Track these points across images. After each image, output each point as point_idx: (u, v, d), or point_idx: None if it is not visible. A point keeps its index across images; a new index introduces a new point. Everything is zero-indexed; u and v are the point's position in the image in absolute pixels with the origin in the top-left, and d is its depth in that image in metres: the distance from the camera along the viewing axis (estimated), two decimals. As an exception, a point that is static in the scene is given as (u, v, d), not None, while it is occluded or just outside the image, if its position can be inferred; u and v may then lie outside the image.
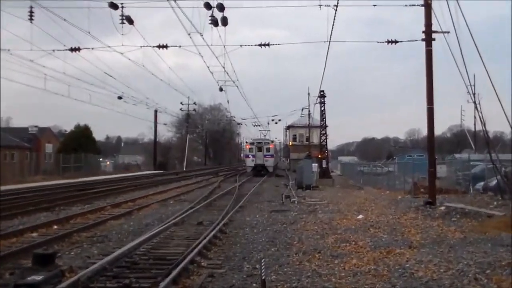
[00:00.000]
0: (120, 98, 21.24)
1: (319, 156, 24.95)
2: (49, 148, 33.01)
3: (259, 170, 40.19)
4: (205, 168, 48.67)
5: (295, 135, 48.50)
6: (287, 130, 61.68)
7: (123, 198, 12.90)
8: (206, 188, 17.20)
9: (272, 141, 48.60)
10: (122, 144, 72.74)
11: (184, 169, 42.27)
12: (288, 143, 62.37)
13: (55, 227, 7.71)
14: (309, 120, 40.02)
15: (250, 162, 40.74)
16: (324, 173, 24.05)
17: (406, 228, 7.45)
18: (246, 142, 44.93)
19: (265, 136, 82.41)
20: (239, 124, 48.28)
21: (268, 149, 42.37)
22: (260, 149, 41.57)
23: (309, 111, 40.26)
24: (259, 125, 42.00)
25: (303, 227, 7.74)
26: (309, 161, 20.61)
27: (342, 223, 8.13)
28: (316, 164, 24.55)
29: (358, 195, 14.62)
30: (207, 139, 67.33)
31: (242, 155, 44.53)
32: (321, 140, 25.17)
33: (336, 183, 21.93)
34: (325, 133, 25.82)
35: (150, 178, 22.96)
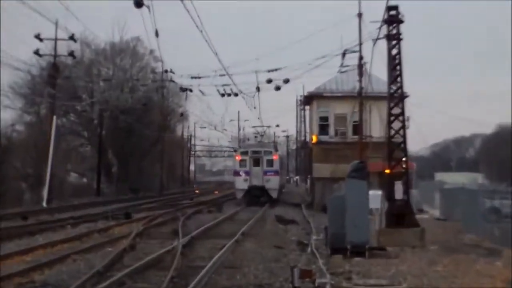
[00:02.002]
0: None
1: (387, 171, 25.49)
2: None
3: (256, 196, 51.74)
4: (96, 202, 50.49)
5: (325, 119, 50.97)
6: (305, 108, 68.31)
7: None
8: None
9: (277, 150, 58.50)
10: None
11: (45, 205, 43.37)
12: (306, 140, 70.51)
13: None
14: (360, 81, 41.36)
15: (241, 183, 52.48)
16: (401, 214, 24.86)
17: None
18: (236, 152, 57.07)
19: (262, 135, 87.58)
20: (184, 90, 48.80)
21: (270, 162, 52.82)
22: (257, 162, 52.60)
23: (360, 58, 41.09)
24: (231, 94, 42.81)
25: None
26: (361, 183, 20.99)
27: None
28: (380, 192, 24.98)
29: (491, 272, 14.96)
30: (105, 130, 69.98)
31: (233, 170, 55.98)
32: (392, 133, 25.95)
33: (429, 240, 23.55)
34: (403, 114, 26.26)
35: None
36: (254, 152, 53.40)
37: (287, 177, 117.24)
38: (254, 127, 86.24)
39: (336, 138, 49.42)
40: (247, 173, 52.23)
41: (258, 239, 25.11)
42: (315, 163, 50.29)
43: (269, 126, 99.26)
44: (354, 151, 40.58)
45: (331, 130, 49.97)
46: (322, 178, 47.35)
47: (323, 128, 50.26)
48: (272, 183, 52.52)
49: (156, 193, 69.28)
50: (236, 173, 53.34)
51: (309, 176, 67.26)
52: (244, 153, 53.60)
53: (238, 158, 53.56)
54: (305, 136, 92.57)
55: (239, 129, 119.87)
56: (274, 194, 52.98)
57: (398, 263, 18.42)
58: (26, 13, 57.08)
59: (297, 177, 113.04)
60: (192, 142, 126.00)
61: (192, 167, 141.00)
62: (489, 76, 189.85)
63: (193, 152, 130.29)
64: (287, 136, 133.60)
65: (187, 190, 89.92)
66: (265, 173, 52.28)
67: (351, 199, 20.40)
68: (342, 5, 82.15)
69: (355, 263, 18.46)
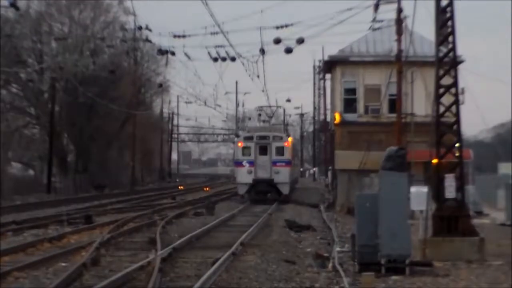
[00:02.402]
0: None
1: (434, 161, 25.54)
2: None
3: (262, 192, 55.57)
4: (46, 202, 49.93)
5: (352, 92, 51.39)
6: (325, 77, 71.92)
7: None
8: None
9: (289, 135, 61.88)
10: None
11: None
12: (327, 120, 73.14)
13: None
14: (399, 42, 41.16)
15: (244, 176, 55.67)
16: (453, 218, 24.69)
17: None
18: (238, 137, 59.88)
19: (270, 117, 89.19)
20: (164, 54, 49.52)
21: (280, 150, 55.89)
22: (264, 150, 55.63)
23: (399, 11, 41.22)
24: (227, 58, 42.62)
25: None
26: (399, 177, 20.95)
27: None
28: (425, 189, 24.94)
29: None
30: (59, 106, 69.85)
31: (234, 159, 60.14)
32: (441, 111, 25.83)
33: (490, 253, 23.46)
34: (456, 86, 25.90)
35: None
36: (261, 137, 55.80)
37: (301, 169, 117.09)
38: (260, 108, 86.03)
39: (367, 117, 49.55)
40: (251, 163, 54.71)
41: (262, 251, 24.92)
42: (339, 150, 50.38)
43: (279, 107, 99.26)
44: (390, 135, 40.54)
45: (360, 107, 50.07)
46: (348, 170, 47.38)
47: (349, 104, 50.32)
48: (283, 176, 54.92)
49: (126, 190, 69.29)
50: (238, 164, 56.19)
51: (330, 167, 67.34)
52: (248, 138, 56.08)
53: (240, 144, 56.01)
54: (325, 114, 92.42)
55: (237, 105, 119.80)
56: (285, 190, 55.50)
57: (449, 283, 18.41)
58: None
59: (315, 169, 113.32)
60: (175, 122, 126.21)
61: (174, 156, 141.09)
62: None
63: (175, 136, 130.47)
64: (302, 115, 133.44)
65: (168, 186, 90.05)
66: (274, 163, 54.64)
67: (386, 198, 20.35)
68: None
69: (391, 283, 18.47)
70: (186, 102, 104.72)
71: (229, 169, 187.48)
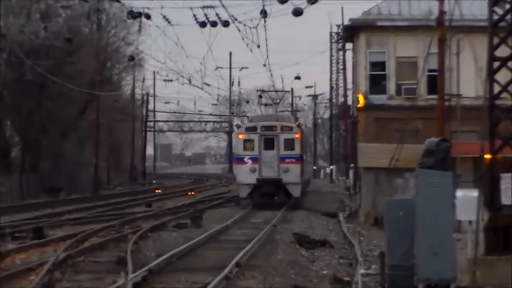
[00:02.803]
0: None
1: (487, 156, 25.57)
2: None
3: (268, 194, 58.73)
4: None
5: (380, 67, 51.69)
6: (345, 48, 76.03)
7: None
8: None
9: (300, 126, 65.58)
10: None
11: None
12: (347, 103, 72.48)
13: None
14: (441, 1, 40.53)
15: (246, 175, 58.41)
16: (511, 232, 24.63)
17: None
18: (238, 127, 68.09)
19: (277, 103, 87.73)
20: (137, 17, 49.77)
21: (290, 143, 58.57)
22: (270, 144, 58.36)
23: None
24: (217, 23, 42.51)
25: None
26: (442, 177, 20.89)
27: None
28: (475, 193, 24.61)
29: None
30: (0, 85, 71.71)
31: (234, 155, 64.62)
32: (495, 92, 25.69)
33: None
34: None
35: None
36: (266, 127, 58.71)
37: (314, 168, 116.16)
38: (261, 92, 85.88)
39: (399, 99, 49.61)
40: (255, 159, 57.63)
41: (264, 274, 24.96)
42: (363, 142, 50.09)
43: (285, 92, 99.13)
44: (429, 122, 40.53)
45: (391, 86, 50.17)
46: (375, 168, 46.74)
47: (377, 83, 50.54)
48: (293, 174, 57.82)
49: (88, 195, 69.13)
50: (239, 160, 59.50)
51: (351, 165, 67.84)
52: (251, 129, 59.40)
53: (241, 136, 59.39)
54: (345, 96, 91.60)
55: (231, 84, 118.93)
56: (296, 192, 58.51)
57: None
58: None
59: (332, 167, 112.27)
60: (150, 106, 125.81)
61: (150, 151, 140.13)
62: None
63: (151, 124, 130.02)
64: (315, 97, 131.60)
65: (142, 190, 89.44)
66: (282, 159, 57.53)
67: (425, 205, 20.33)
68: None
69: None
70: (165, 80, 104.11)
71: (221, 167, 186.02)
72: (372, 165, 47.58)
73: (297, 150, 57.48)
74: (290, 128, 58.62)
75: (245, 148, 57.71)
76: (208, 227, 41.42)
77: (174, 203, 63.31)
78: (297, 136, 57.93)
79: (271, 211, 50.84)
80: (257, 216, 49.67)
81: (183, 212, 51.44)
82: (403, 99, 49.54)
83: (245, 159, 57.36)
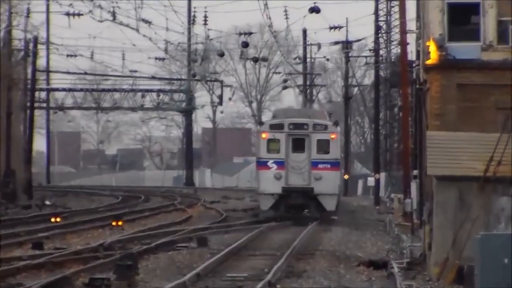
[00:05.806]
0: None
1: None
2: None
3: (296, 206, 58.74)
4: None
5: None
6: None
7: None
8: None
9: (335, 122, 64.84)
10: None
11: None
12: (406, 60, 62.92)
13: None
14: None
15: (270, 183, 58.72)
16: None
17: None
18: (262, 125, 64.03)
19: (275, 35, 79.82)
20: None
21: (324, 144, 59.09)
22: (300, 145, 59.13)
23: None
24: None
25: None
26: None
27: None
28: None
29: None
30: None
31: (256, 158, 63.53)
32: None
33: None
34: None
35: None
36: (295, 125, 58.22)
37: (345, 177, 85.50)
38: (247, 36, 67.85)
39: (502, 51, 35.97)
40: (280, 164, 56.85)
41: None
42: (436, 129, 36.65)
43: (291, 36, 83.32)
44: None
45: (488, 27, 36.32)
46: (458, 178, 34.22)
47: (462, 20, 36.86)
48: (327, 183, 56.93)
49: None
50: (261, 165, 58.65)
51: (414, 173, 48.12)
52: (276, 126, 58.37)
53: (265, 136, 58.64)
54: (403, 45, 62.35)
55: (191, 21, 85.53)
56: (330, 205, 57.78)
57: None
58: None
59: (377, 175, 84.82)
60: (41, 62, 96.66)
61: (41, 145, 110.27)
62: None
63: (43, 96, 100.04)
64: (346, 47, 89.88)
65: (25, 217, 64.69)
66: (314, 165, 56.69)
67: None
68: None
69: None
70: (68, 14, 73.72)
71: (173, 175, 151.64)
72: (454, 173, 34.85)
73: (332, 154, 57.64)
74: (325, 127, 58.47)
75: (269, 150, 57.70)
76: (147, 286, 31.03)
77: (85, 241, 48.78)
78: (333, 136, 57.77)
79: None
80: (241, 263, 37.10)
81: (103, 258, 38.85)
82: (509, 52, 35.61)
83: (269, 163, 57.28)
